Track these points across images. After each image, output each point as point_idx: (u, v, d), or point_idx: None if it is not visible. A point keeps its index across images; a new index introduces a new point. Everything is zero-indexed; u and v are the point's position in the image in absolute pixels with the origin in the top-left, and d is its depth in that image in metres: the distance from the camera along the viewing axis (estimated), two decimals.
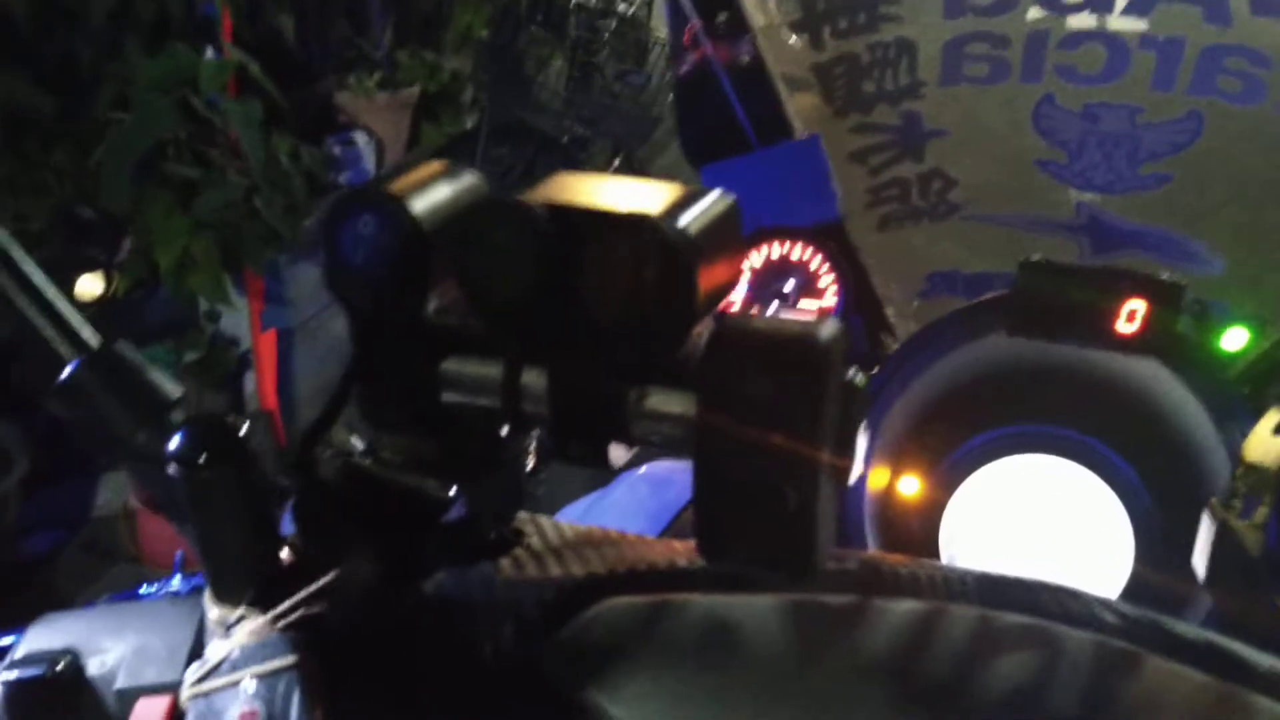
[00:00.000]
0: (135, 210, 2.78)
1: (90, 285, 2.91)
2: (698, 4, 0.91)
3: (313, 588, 0.49)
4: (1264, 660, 0.52)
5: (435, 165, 0.48)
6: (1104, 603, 0.59)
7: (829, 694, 0.51)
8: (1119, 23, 1.03)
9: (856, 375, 0.43)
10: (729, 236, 0.45)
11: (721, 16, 0.91)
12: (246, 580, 0.50)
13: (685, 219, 0.42)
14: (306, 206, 3.05)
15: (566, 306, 0.43)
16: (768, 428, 0.40)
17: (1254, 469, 0.56)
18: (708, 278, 0.43)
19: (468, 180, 0.48)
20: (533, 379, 0.45)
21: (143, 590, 0.72)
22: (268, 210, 2.83)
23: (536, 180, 0.45)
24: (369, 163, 3.46)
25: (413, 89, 3.79)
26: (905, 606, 0.56)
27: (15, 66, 2.45)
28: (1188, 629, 0.57)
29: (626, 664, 0.51)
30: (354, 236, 0.45)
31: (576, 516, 0.99)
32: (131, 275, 2.94)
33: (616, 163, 3.55)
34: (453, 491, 0.49)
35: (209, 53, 2.79)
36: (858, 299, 1.03)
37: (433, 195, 0.46)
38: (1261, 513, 0.56)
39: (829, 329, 0.41)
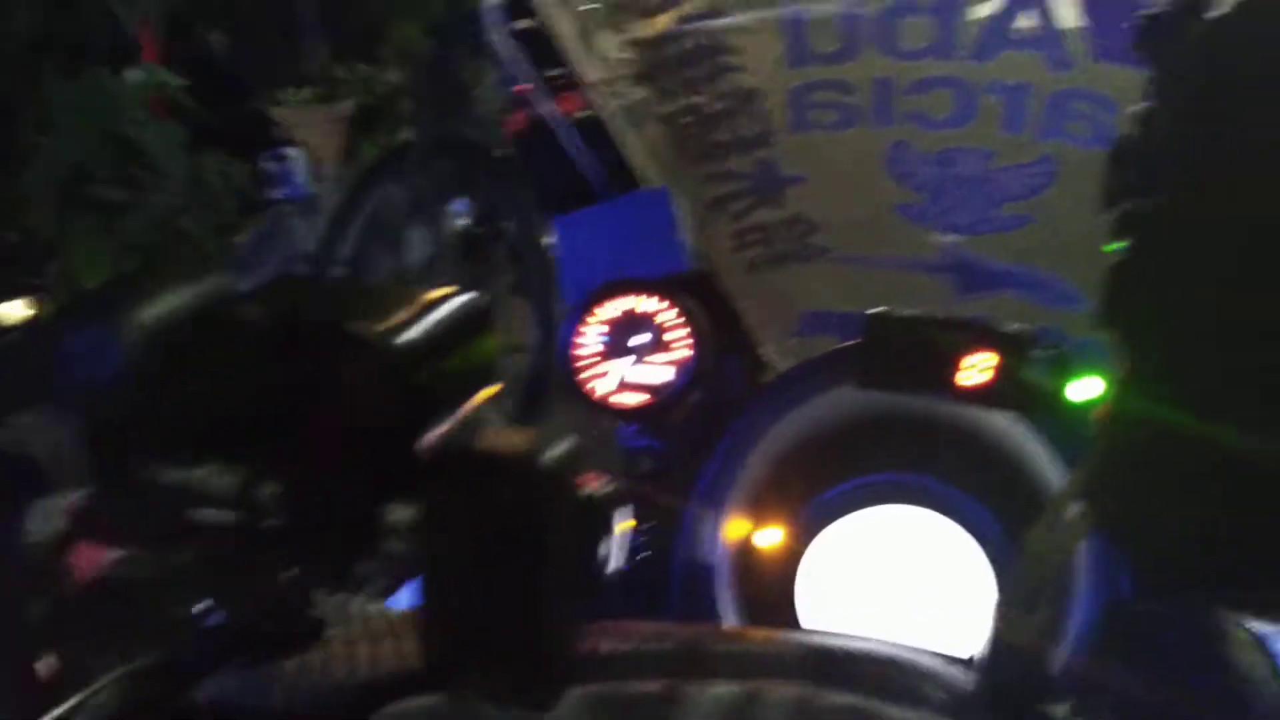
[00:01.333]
0: (61, 233, 2.75)
1: (15, 310, 2.87)
2: (529, 60, 0.89)
3: (63, 708, 0.47)
4: None
5: (177, 272, 0.46)
6: (934, 676, 0.57)
7: None
8: (962, 69, 1.02)
9: (604, 489, 0.42)
10: (466, 343, 0.43)
11: (554, 72, 0.89)
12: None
13: (409, 332, 0.41)
14: (237, 225, 3.01)
15: (297, 418, 0.42)
16: (491, 548, 0.39)
17: (1037, 562, 0.55)
18: (436, 389, 0.41)
19: (206, 287, 0.46)
20: (271, 492, 0.44)
21: None
22: (196, 230, 2.80)
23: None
24: (302, 178, 3.41)
25: (347, 102, 3.75)
26: (720, 691, 0.55)
27: None
28: (1009, 710, 0.56)
29: None
30: (77, 351, 0.43)
31: None
32: (58, 299, 2.90)
33: None
34: (200, 607, 0.47)
35: (135, 73, 2.76)
36: (731, 341, 1.02)
37: (161, 305, 0.44)
38: (1045, 611, 0.55)
39: (560, 447, 0.40)
